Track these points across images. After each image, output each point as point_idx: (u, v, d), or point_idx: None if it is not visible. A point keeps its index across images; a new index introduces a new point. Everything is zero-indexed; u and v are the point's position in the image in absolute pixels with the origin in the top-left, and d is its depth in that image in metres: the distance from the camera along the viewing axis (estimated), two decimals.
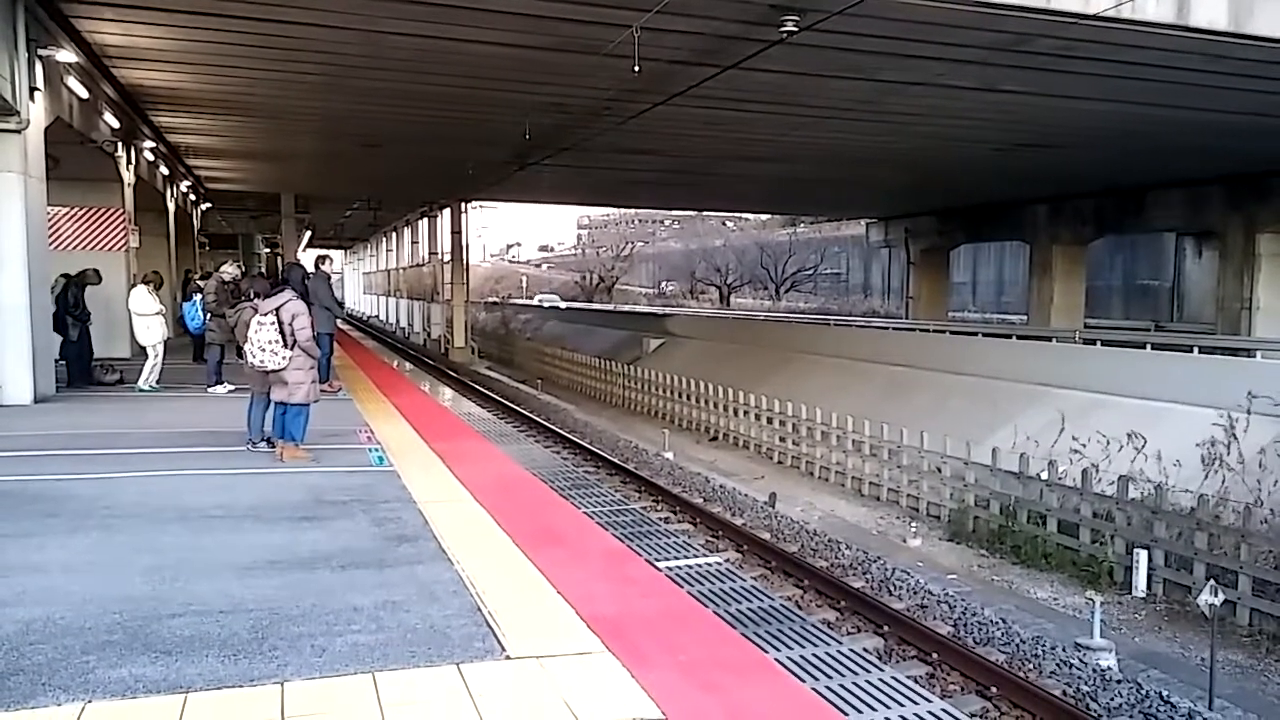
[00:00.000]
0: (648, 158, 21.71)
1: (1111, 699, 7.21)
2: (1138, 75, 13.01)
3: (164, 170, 20.90)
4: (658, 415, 24.49)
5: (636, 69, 10.89)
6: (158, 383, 12.49)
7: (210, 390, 12.15)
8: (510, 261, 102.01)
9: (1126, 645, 9.25)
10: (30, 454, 8.05)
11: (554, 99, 15.31)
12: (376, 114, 17.13)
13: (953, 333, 26.11)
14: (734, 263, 59.56)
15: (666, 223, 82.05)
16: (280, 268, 22.54)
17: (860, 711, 5.89)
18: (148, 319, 12.59)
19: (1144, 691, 7.23)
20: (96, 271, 13.09)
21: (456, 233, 37.50)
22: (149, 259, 17.52)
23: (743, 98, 14.74)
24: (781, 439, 19.00)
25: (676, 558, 8.95)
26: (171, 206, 22.51)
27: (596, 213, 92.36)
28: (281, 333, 7.73)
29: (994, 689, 7.24)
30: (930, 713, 5.80)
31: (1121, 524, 11.50)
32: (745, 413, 20.46)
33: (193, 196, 27.47)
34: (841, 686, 6.24)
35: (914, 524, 14.05)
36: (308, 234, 48.01)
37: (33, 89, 10.61)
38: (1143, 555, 10.91)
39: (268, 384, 8.04)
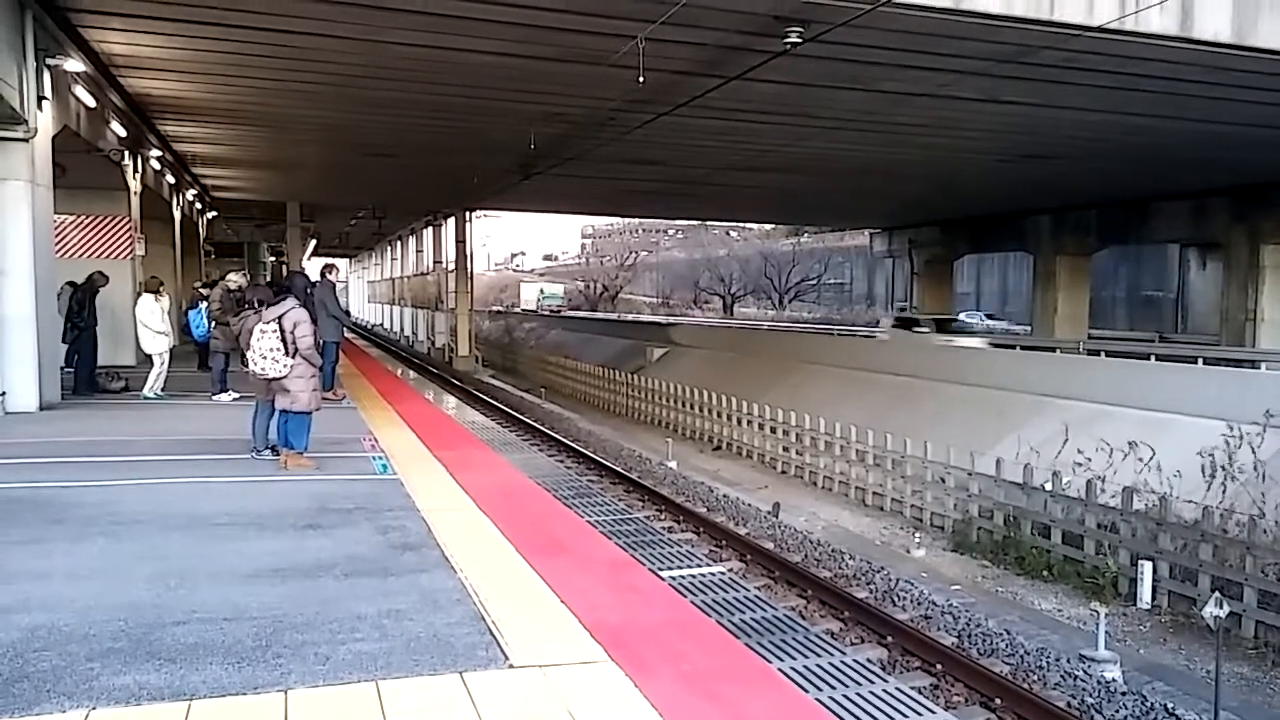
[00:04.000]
0: (652, 168, 21.77)
1: (1116, 711, 7.18)
2: (1141, 87, 13.04)
3: (170, 179, 20.99)
4: (661, 424, 24.47)
5: (641, 80, 10.93)
6: (163, 390, 12.51)
7: (215, 398, 12.17)
8: (515, 270, 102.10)
9: (1131, 657, 9.21)
10: (36, 461, 8.08)
11: (558, 109, 15.37)
12: (382, 123, 17.21)
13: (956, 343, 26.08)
14: (738, 272, 59.60)
15: (670, 232, 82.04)
16: (283, 276, 22.61)
17: None
18: (153, 331, 12.59)
19: (1149, 704, 7.19)
20: (103, 273, 13.16)
21: (461, 241, 37.57)
22: (154, 267, 17.56)
23: (746, 109, 14.79)
24: (785, 449, 18.97)
25: (680, 567, 8.94)
26: (177, 215, 22.60)
27: (600, 222, 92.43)
28: (284, 340, 7.76)
29: (998, 700, 7.21)
30: None
31: (1126, 535, 11.46)
32: (749, 422, 20.44)
33: (198, 205, 27.57)
34: (845, 697, 6.22)
35: (918, 534, 14.02)
36: (313, 242, 48.19)
37: (41, 98, 10.69)
38: (1147, 567, 10.86)
39: (271, 392, 8.06)
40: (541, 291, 71.33)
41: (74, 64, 11.53)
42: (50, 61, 10.81)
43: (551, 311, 59.55)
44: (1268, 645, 9.70)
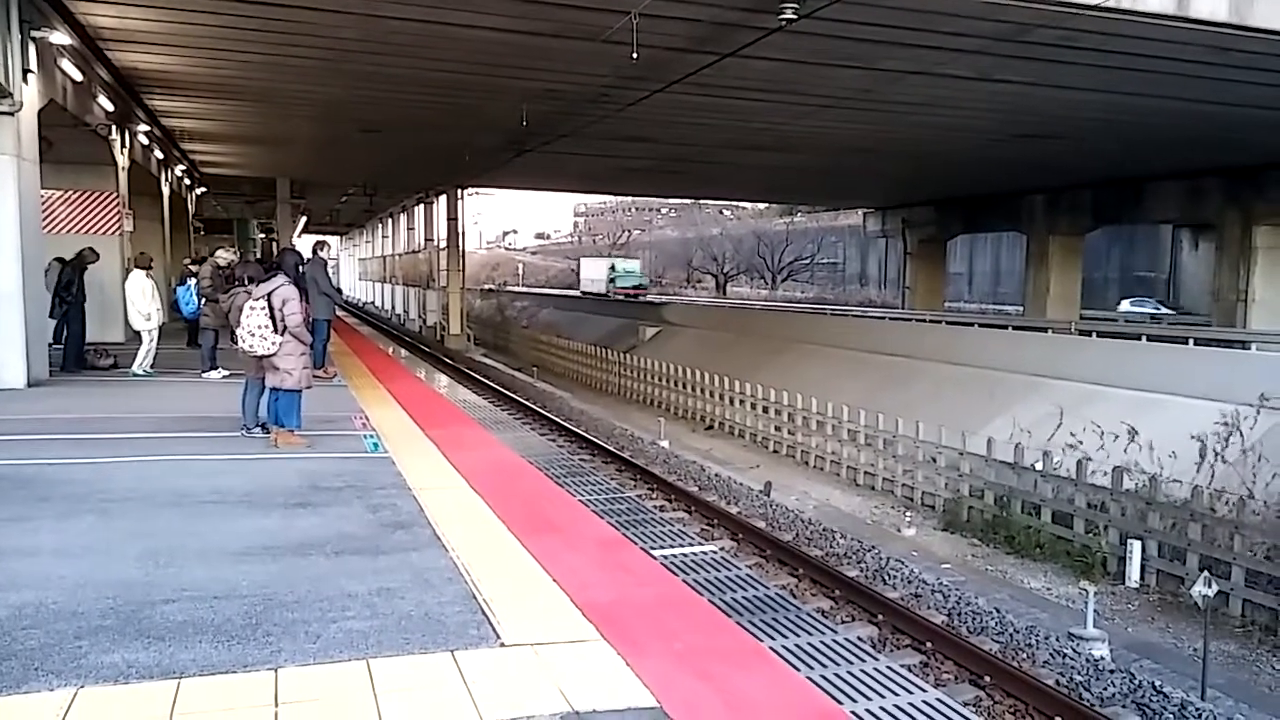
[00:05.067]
0: (645, 145, 21.64)
1: (1104, 689, 7.23)
2: (1137, 66, 12.98)
3: (158, 154, 20.77)
4: (653, 404, 24.49)
5: (634, 56, 10.84)
6: (152, 368, 12.44)
7: (204, 376, 12.10)
8: (506, 249, 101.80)
9: (1120, 635, 9.29)
10: (23, 438, 8.01)
11: (552, 85, 15.23)
12: (373, 99, 17.03)
13: (949, 323, 26.15)
14: (731, 251, 59.55)
15: (663, 211, 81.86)
16: (274, 253, 22.44)
17: (855, 700, 5.90)
18: (144, 308, 12.50)
19: (1137, 681, 7.25)
20: (93, 250, 13.04)
21: (453, 219, 37.40)
22: (143, 244, 17.38)
23: (741, 86, 14.68)
24: (777, 428, 19.01)
25: (672, 546, 8.95)
26: (166, 191, 22.38)
27: (593, 200, 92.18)
28: (272, 318, 7.70)
29: (987, 678, 7.25)
30: (924, 701, 5.82)
31: (1115, 515, 11.53)
32: (741, 402, 20.46)
33: (187, 181, 27.32)
34: (836, 675, 6.25)
35: (909, 514, 14.08)
36: (303, 219, 47.86)
37: (26, 71, 10.52)
38: (1136, 546, 10.94)
39: (261, 369, 8.01)
40: (613, 268, 52.73)
41: (60, 36, 11.36)
42: (36, 34, 10.64)
43: (628, 295, 45.98)
44: (1254, 624, 9.79)
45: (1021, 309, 31.10)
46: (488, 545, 5.31)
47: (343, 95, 16.79)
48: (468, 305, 40.67)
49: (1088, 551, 11.57)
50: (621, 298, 45.83)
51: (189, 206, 28.19)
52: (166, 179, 22.55)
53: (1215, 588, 8.49)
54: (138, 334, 12.69)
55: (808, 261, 55.79)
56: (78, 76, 12.74)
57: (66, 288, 12.36)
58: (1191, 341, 17.07)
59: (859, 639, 7.20)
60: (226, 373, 11.72)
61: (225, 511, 5.88)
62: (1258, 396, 12.51)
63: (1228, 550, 10.20)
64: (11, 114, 10.39)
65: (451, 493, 6.58)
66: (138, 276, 12.66)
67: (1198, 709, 6.91)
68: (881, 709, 5.79)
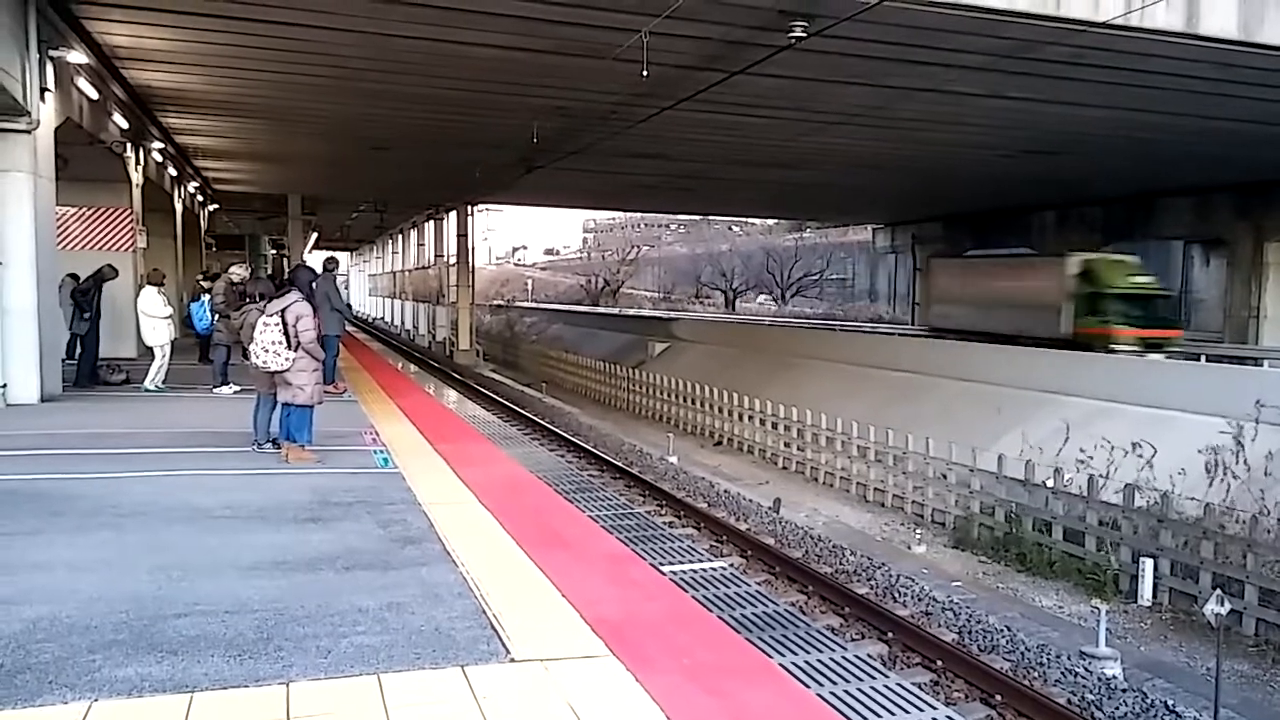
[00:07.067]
0: (654, 162, 21.72)
1: (1116, 708, 7.18)
2: (1146, 83, 13.00)
3: (172, 171, 20.96)
4: (662, 419, 24.47)
5: (644, 74, 10.91)
6: (164, 383, 12.51)
7: (216, 391, 12.17)
8: (516, 265, 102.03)
9: (1131, 654, 9.22)
10: (37, 453, 8.07)
11: (562, 103, 15.33)
12: (384, 117, 17.17)
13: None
14: (740, 267, 59.53)
15: (672, 227, 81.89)
16: (285, 269, 22.56)
17: (864, 718, 5.88)
18: (155, 320, 12.62)
19: (1149, 701, 7.20)
20: (113, 266, 13.18)
21: (463, 235, 37.56)
22: (156, 260, 17.53)
23: (750, 103, 14.75)
24: (786, 444, 18.97)
25: (681, 562, 8.94)
26: (179, 207, 22.58)
27: (602, 216, 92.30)
28: (286, 334, 7.75)
29: (998, 697, 7.21)
30: None
31: (1127, 532, 11.46)
32: (750, 418, 20.43)
33: (200, 197, 27.54)
34: (846, 693, 6.22)
35: (918, 530, 14.02)
36: (314, 235, 48.13)
37: (43, 89, 10.66)
38: (1148, 564, 10.87)
39: (273, 385, 8.05)
40: (1089, 275, 22.18)
41: (76, 55, 11.51)
42: (53, 53, 10.79)
43: (1148, 345, 20.05)
44: (1268, 643, 9.71)
45: None
46: (497, 560, 5.32)
47: (354, 113, 16.93)
48: (477, 321, 40.76)
49: (1099, 569, 11.50)
50: (1130, 347, 20.31)
51: (201, 223, 28.40)
52: (179, 196, 22.75)
53: (1228, 606, 8.42)
54: (150, 350, 12.77)
55: (817, 277, 55.70)
56: (94, 95, 12.89)
57: (85, 294, 12.47)
58: (1204, 358, 16.98)
59: (869, 656, 7.17)
60: (238, 388, 11.78)
61: (237, 526, 5.91)
62: (1254, 403, 12.44)
63: (1240, 568, 10.12)
64: (29, 132, 10.52)
65: (461, 508, 6.60)
66: (150, 293, 12.76)
67: None
68: None
